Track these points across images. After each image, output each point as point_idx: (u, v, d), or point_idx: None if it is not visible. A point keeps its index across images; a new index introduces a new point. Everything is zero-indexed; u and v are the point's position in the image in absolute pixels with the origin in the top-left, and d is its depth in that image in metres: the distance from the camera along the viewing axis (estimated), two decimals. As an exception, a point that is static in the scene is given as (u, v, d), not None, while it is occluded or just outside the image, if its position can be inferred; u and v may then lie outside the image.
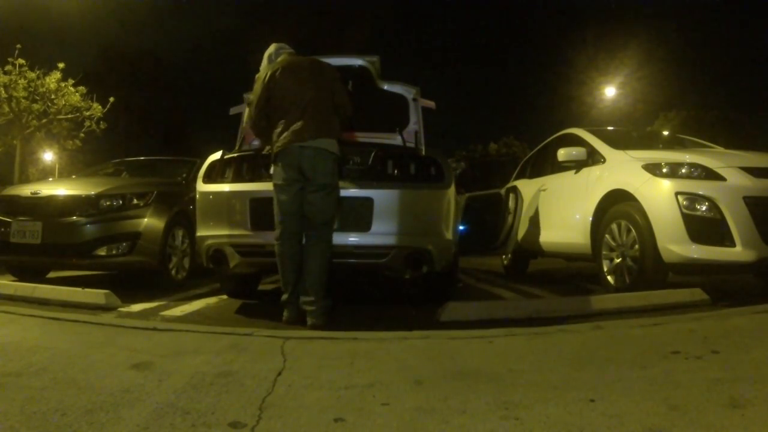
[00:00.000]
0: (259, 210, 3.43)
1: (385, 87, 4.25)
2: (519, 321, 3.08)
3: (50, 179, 10.61)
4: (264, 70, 3.32)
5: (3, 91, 12.28)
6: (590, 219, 4.47)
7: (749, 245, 3.49)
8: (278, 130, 3.17)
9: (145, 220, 4.90)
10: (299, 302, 3.13)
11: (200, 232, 3.77)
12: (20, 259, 5.06)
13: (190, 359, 2.12)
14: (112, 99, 14.19)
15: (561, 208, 5.21)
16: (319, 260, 3.11)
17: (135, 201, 4.96)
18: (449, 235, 3.61)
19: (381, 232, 3.38)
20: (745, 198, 3.54)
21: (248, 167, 3.78)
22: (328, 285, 3.13)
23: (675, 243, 3.63)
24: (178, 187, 5.57)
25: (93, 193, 4.86)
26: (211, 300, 4.32)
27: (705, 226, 3.58)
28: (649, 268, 3.77)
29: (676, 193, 3.67)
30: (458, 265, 5.25)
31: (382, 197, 3.40)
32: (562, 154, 4.89)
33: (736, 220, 3.51)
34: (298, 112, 3.13)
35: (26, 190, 5.13)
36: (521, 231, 5.94)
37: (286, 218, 3.15)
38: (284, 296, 3.19)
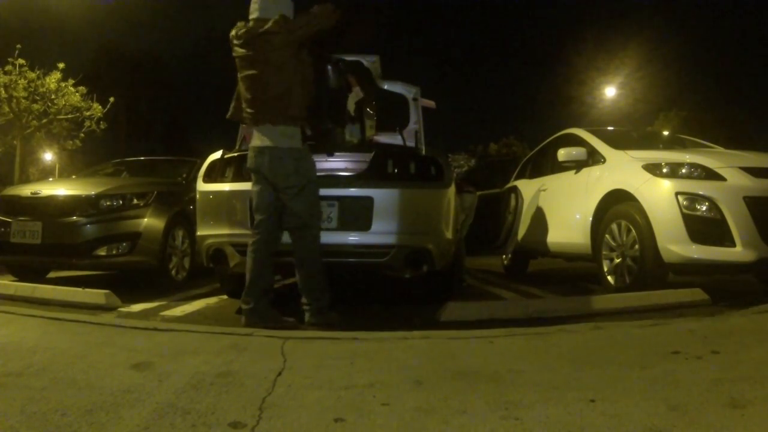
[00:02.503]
0: None
1: (386, 86, 4.25)
2: (519, 321, 3.08)
3: (50, 179, 10.61)
4: None
5: (3, 91, 12.27)
6: (590, 219, 4.47)
7: (749, 245, 3.49)
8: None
9: (145, 220, 4.90)
10: (254, 304, 3.00)
11: (200, 232, 3.77)
12: (20, 259, 5.06)
13: (190, 359, 2.12)
14: (112, 99, 14.18)
15: (561, 208, 5.21)
16: (304, 264, 3.03)
17: (135, 201, 4.96)
18: (449, 235, 3.61)
19: (381, 232, 3.38)
20: (745, 198, 3.54)
21: (248, 167, 3.76)
22: (322, 285, 3.05)
23: (675, 243, 3.63)
24: (178, 187, 5.57)
25: (93, 193, 4.86)
26: (211, 300, 4.31)
27: (705, 226, 3.58)
28: (649, 268, 3.77)
29: (676, 193, 3.67)
30: (462, 264, 5.24)
31: (382, 196, 3.40)
32: (562, 154, 4.88)
33: (736, 220, 3.51)
34: (248, 95, 2.97)
35: (26, 190, 5.13)
36: (521, 231, 5.94)
37: (258, 218, 3.07)
38: (242, 296, 3.04)
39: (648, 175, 3.89)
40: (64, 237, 4.70)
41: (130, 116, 32.28)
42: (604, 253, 4.26)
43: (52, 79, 12.87)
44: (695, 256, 3.59)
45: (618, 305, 3.36)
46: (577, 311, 3.28)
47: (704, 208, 3.59)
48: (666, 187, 3.74)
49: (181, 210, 5.28)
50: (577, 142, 5.06)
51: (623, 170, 4.22)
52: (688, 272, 4.11)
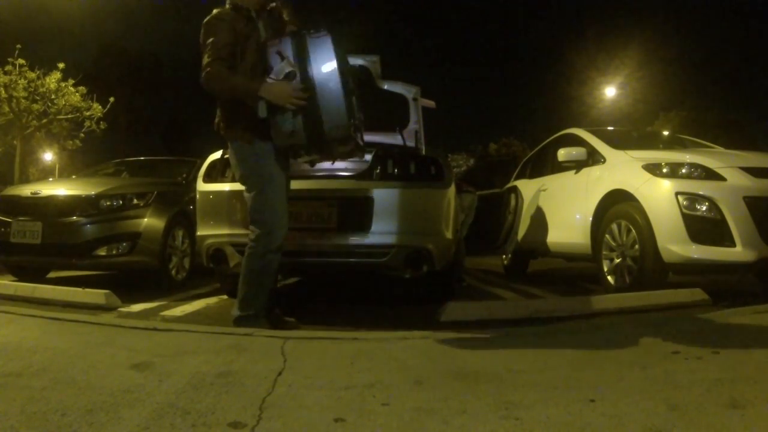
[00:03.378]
0: None
1: (386, 86, 4.24)
2: (519, 321, 3.08)
3: (50, 179, 10.61)
4: None
5: (3, 91, 12.27)
6: (590, 219, 4.47)
7: (749, 245, 3.49)
8: None
9: (145, 220, 4.90)
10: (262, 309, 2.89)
11: (200, 232, 3.78)
12: (20, 259, 5.06)
13: (190, 359, 2.12)
14: (112, 99, 14.18)
15: (561, 208, 5.21)
16: (243, 268, 2.85)
17: (135, 201, 4.96)
18: (449, 235, 3.61)
19: (381, 232, 3.38)
20: (745, 198, 3.54)
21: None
22: (253, 295, 2.82)
23: (675, 243, 3.63)
24: (178, 187, 5.57)
25: (93, 193, 4.86)
26: (211, 300, 4.32)
27: (705, 226, 3.58)
28: (649, 268, 3.77)
29: (676, 193, 3.67)
30: (462, 264, 5.24)
31: (383, 196, 3.40)
32: (562, 154, 4.89)
33: (736, 220, 3.51)
34: None
35: (26, 190, 5.13)
36: (521, 231, 5.94)
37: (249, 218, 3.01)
38: None
39: (648, 175, 3.89)
40: (64, 237, 4.70)
41: (130, 116, 32.28)
42: (604, 253, 4.26)
43: (52, 79, 12.88)
44: (695, 256, 3.59)
45: (618, 305, 3.36)
46: (577, 311, 3.27)
47: (704, 208, 3.59)
48: (666, 187, 3.75)
49: (181, 210, 5.28)
50: (577, 142, 5.07)
51: (623, 170, 4.23)
52: (688, 272, 4.11)
